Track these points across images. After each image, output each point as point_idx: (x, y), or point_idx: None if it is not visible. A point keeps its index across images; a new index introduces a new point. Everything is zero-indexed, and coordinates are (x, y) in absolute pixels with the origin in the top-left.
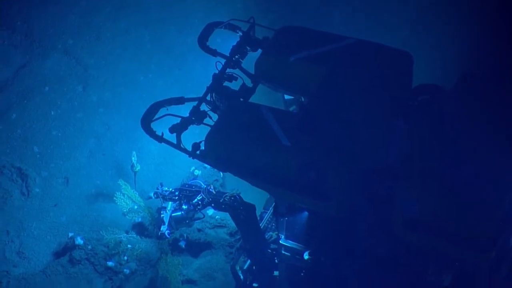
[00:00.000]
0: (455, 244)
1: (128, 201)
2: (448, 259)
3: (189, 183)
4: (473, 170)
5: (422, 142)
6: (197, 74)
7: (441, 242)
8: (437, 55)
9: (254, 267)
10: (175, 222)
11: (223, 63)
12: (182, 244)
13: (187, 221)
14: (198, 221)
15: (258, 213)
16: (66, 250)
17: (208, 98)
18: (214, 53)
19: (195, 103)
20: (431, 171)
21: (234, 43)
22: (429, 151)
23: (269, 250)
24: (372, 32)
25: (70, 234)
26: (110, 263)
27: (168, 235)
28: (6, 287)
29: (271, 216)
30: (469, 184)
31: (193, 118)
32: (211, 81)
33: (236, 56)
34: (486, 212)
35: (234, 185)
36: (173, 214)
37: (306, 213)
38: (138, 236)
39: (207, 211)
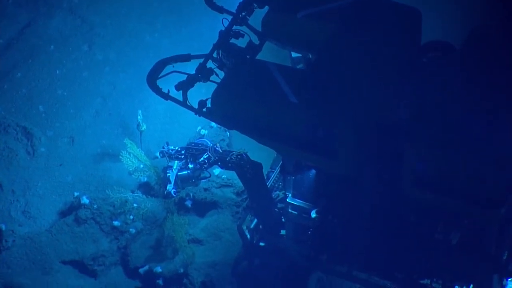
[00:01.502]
0: (465, 200)
1: (134, 160)
2: (456, 217)
3: (196, 142)
4: (483, 127)
5: (432, 99)
6: (203, 33)
7: (451, 199)
8: (446, 11)
9: (261, 226)
10: (181, 181)
11: (229, 20)
12: (189, 203)
13: (193, 180)
14: (205, 180)
15: (265, 172)
16: (71, 210)
17: (215, 55)
18: (220, 10)
19: (201, 60)
20: (441, 128)
21: (241, 0)
22: (439, 109)
23: (276, 209)
24: None
25: (76, 194)
26: (116, 223)
27: (174, 194)
28: (11, 246)
29: (278, 175)
30: (479, 141)
31: (199, 75)
32: (217, 38)
33: (243, 13)
34: (496, 168)
35: (241, 145)
36: (179, 173)
37: (313, 172)
38: (144, 196)
39: (214, 170)
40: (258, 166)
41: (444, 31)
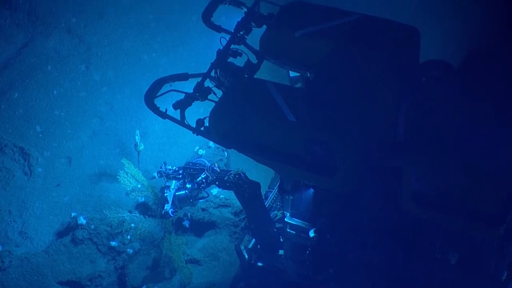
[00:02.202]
0: (463, 218)
1: (132, 180)
2: (455, 236)
3: (193, 161)
4: (481, 145)
5: (431, 117)
6: (201, 52)
7: (450, 216)
8: (444, 30)
9: (259, 246)
10: (179, 201)
11: (227, 39)
12: (186, 223)
13: (191, 200)
14: (202, 200)
15: (263, 192)
16: (68, 230)
17: (213, 74)
18: (218, 29)
19: (199, 79)
20: (439, 145)
21: (239, 20)
22: (438, 126)
23: (274, 229)
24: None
25: (73, 214)
26: (113, 243)
27: (172, 214)
28: (8, 267)
29: (276, 195)
30: (477, 158)
31: (197, 94)
32: (215, 57)
33: (241, 32)
34: (495, 185)
35: (239, 164)
36: (177, 193)
37: (311, 191)
38: (142, 216)
39: (211, 190)
40: (256, 186)
41: (443, 50)
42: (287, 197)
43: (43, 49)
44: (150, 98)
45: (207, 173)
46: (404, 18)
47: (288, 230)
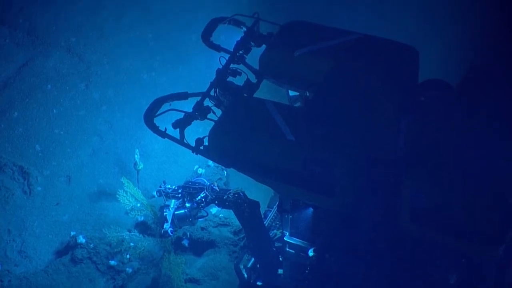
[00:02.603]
0: (462, 237)
1: (131, 199)
2: (454, 256)
3: (193, 180)
4: (480, 164)
5: (430, 136)
6: (201, 71)
7: (449, 236)
8: (443, 49)
9: (258, 265)
10: (178, 220)
11: (227, 58)
12: (185, 242)
13: (190, 219)
14: (202, 219)
15: (262, 211)
16: (68, 249)
17: (212, 93)
18: (218, 48)
19: (198, 98)
20: (438, 164)
21: (238, 39)
22: (437, 145)
23: (274, 248)
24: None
25: (72, 233)
26: (112, 262)
27: (171, 233)
28: (7, 286)
29: (275, 214)
30: (477, 178)
31: (196, 114)
32: (214, 76)
33: (240, 52)
34: (494, 205)
35: (238, 183)
36: (176, 212)
37: (311, 210)
38: (141, 235)
39: (211, 209)
40: (255, 205)
41: (441, 69)
42: (286, 216)
43: (43, 68)
44: (149, 117)
45: (207, 192)
46: (402, 37)
47: (287, 249)
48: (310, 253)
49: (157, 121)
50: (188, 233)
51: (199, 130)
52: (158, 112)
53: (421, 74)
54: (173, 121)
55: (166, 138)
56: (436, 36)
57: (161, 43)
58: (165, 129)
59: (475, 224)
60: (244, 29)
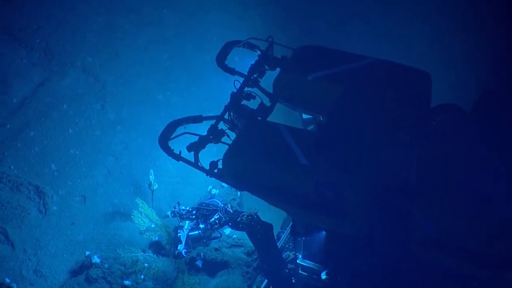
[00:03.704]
0: (473, 262)
1: (145, 220)
2: (466, 278)
3: (207, 202)
4: (491, 190)
5: (441, 161)
6: (215, 91)
7: (459, 260)
8: (455, 73)
9: (271, 287)
10: (192, 241)
11: (241, 82)
12: (199, 263)
13: (204, 240)
14: (215, 240)
15: (275, 232)
16: (83, 269)
17: (226, 116)
18: (232, 71)
19: (213, 121)
20: (449, 190)
21: (253, 62)
22: (448, 171)
23: (286, 270)
24: (390, 51)
25: (87, 253)
26: (126, 282)
27: (185, 254)
28: None
29: (288, 236)
30: (487, 203)
31: (211, 137)
32: (229, 99)
33: (255, 75)
34: (504, 231)
35: (252, 204)
36: (190, 233)
37: (323, 233)
38: (155, 255)
39: (224, 230)
40: (268, 227)
41: (454, 94)
42: (299, 239)
43: (59, 88)
44: (164, 141)
45: (220, 214)
46: (414, 62)
47: (300, 271)
48: (323, 276)
49: (171, 143)
50: (202, 254)
51: (213, 151)
52: (173, 135)
53: (433, 99)
54: (188, 144)
55: (180, 161)
56: (448, 59)
57: (176, 63)
58: (180, 152)
59: (486, 249)
60: (259, 52)
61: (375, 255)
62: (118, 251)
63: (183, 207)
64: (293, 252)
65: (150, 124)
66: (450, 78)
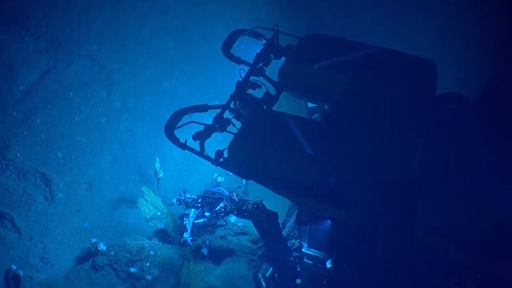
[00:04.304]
0: (478, 253)
1: (151, 208)
2: (470, 270)
3: (212, 190)
4: (497, 180)
5: (446, 151)
6: (220, 80)
7: (465, 251)
8: (461, 63)
9: (276, 275)
10: (198, 229)
11: (246, 71)
12: (205, 251)
13: (209, 228)
14: (221, 228)
15: (280, 221)
16: (89, 256)
17: (232, 105)
18: (238, 60)
19: (218, 110)
20: (455, 180)
21: (258, 51)
22: (453, 161)
23: (292, 258)
24: (396, 40)
25: (93, 240)
26: (132, 269)
27: (191, 242)
28: None
29: (293, 224)
30: (493, 193)
31: (216, 126)
32: (234, 88)
33: (260, 64)
34: (509, 222)
35: (257, 192)
36: (195, 221)
37: (328, 222)
38: (161, 243)
39: (230, 218)
40: (273, 216)
41: (459, 83)
42: (304, 227)
43: (65, 76)
44: (170, 129)
45: (226, 203)
46: (420, 51)
47: (305, 260)
48: (328, 264)
49: (177, 132)
50: (207, 242)
51: (218, 139)
52: (179, 124)
53: (438, 88)
54: (194, 133)
55: (186, 150)
56: (453, 48)
57: (182, 52)
58: (185, 141)
59: (491, 240)
60: (264, 41)
61: (380, 245)
62: (124, 238)
63: (189, 195)
64: (298, 240)
65: (156, 113)
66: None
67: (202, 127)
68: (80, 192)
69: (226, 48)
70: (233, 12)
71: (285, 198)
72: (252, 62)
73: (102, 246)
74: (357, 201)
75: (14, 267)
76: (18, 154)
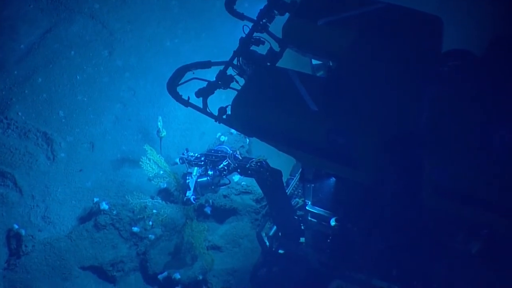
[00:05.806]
0: (485, 209)
1: (154, 166)
2: (476, 226)
3: (215, 148)
4: (503, 136)
5: (453, 108)
6: (224, 39)
7: (471, 208)
8: (468, 18)
9: (280, 234)
10: (201, 188)
11: (250, 27)
12: (208, 210)
13: (212, 187)
14: (224, 187)
15: (284, 179)
16: (91, 215)
17: (235, 62)
18: (241, 16)
19: (221, 67)
20: (461, 137)
21: (262, 7)
22: (460, 117)
23: (296, 217)
24: None
25: (95, 199)
26: (135, 229)
27: (194, 200)
28: (31, 251)
29: (297, 183)
30: (499, 149)
31: (219, 83)
32: (238, 45)
33: (264, 20)
34: None
35: (261, 151)
36: (198, 180)
37: (333, 180)
38: (164, 202)
39: (233, 177)
40: (277, 174)
41: (465, 39)
42: (308, 185)
43: (66, 35)
44: (172, 86)
45: (229, 161)
46: (426, 7)
47: (309, 218)
48: (332, 222)
49: (180, 89)
50: (210, 201)
51: (221, 97)
52: (181, 81)
53: (445, 44)
54: (196, 90)
55: (189, 107)
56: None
57: (185, 10)
58: (188, 98)
59: (497, 196)
60: None
61: (386, 203)
62: (126, 197)
63: (192, 154)
64: (302, 199)
65: (158, 71)
66: (465, 23)
67: (205, 84)
68: (82, 151)
69: (230, 4)
70: None
71: (289, 157)
72: (255, 18)
73: (104, 205)
74: (363, 158)
75: (15, 226)
76: (20, 113)
